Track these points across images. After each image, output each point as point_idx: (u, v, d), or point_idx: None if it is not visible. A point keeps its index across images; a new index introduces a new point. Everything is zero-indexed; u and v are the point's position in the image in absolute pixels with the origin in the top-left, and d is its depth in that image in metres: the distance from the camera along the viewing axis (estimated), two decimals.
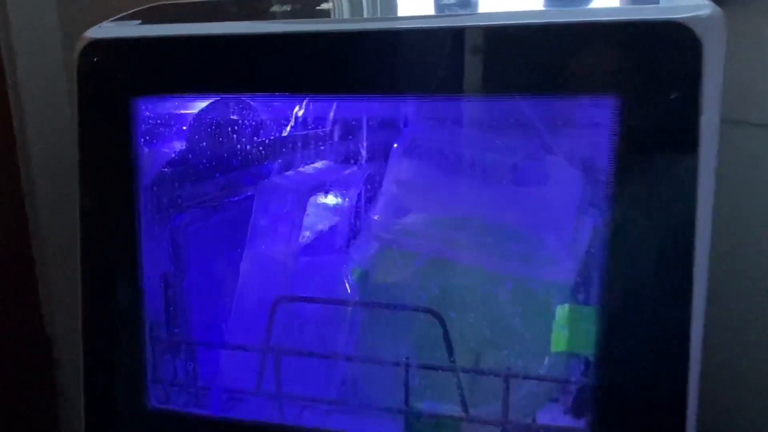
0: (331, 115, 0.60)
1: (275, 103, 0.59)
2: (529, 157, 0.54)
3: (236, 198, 0.61)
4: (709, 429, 0.59)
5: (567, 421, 0.48)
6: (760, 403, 0.65)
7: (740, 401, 0.66)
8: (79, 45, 0.50)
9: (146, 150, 0.52)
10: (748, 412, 0.66)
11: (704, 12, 0.40)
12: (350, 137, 0.60)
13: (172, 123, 0.57)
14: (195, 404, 0.55)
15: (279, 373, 0.53)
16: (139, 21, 0.52)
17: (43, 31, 0.75)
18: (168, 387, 0.55)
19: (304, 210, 0.59)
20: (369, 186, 0.59)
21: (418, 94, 0.48)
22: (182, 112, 0.58)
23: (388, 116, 0.58)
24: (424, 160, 0.57)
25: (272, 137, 0.60)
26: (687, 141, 0.40)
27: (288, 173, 0.61)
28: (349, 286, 0.56)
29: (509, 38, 0.43)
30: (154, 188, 0.54)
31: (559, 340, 0.47)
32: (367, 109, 0.58)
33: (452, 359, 0.50)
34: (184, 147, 0.58)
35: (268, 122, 0.60)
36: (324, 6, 0.52)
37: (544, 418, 0.50)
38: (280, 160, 0.61)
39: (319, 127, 0.60)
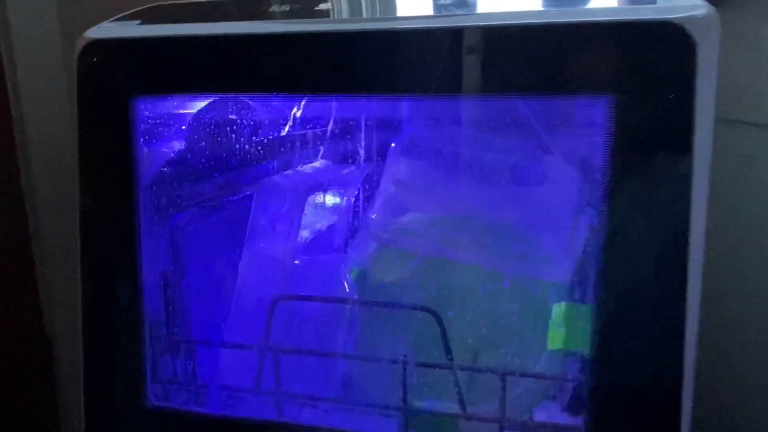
0: (330, 114, 0.60)
1: (274, 103, 0.59)
2: (527, 156, 0.54)
3: (235, 197, 0.61)
4: (709, 429, 0.59)
5: (564, 418, 0.48)
6: (759, 403, 0.65)
7: (739, 401, 0.66)
8: (79, 45, 0.50)
9: (145, 150, 0.52)
10: (748, 412, 0.66)
11: (699, 12, 0.40)
12: (348, 137, 0.60)
13: (172, 123, 0.57)
14: (194, 402, 0.55)
15: (278, 372, 0.53)
16: (139, 21, 0.52)
17: (43, 31, 0.75)
18: (167, 385, 0.55)
19: (303, 209, 0.59)
20: (367, 185, 0.60)
21: (416, 94, 0.48)
22: (181, 111, 0.58)
23: (386, 116, 0.59)
24: (422, 160, 0.57)
25: (271, 137, 0.60)
26: (681, 140, 0.41)
27: (287, 173, 0.61)
28: (348, 285, 0.56)
29: (506, 38, 0.43)
30: (154, 188, 0.54)
31: (556, 338, 0.47)
32: (366, 108, 0.59)
33: (450, 357, 0.50)
34: (183, 147, 0.58)
35: (266, 122, 0.60)
36: (323, 6, 0.52)
37: (541, 416, 0.50)
38: (278, 160, 0.61)
39: (318, 126, 0.60)
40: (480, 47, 0.44)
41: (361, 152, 0.60)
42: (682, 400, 0.43)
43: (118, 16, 0.55)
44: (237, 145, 0.59)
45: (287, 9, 0.53)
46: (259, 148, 0.60)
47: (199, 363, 0.57)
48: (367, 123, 0.59)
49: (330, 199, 0.62)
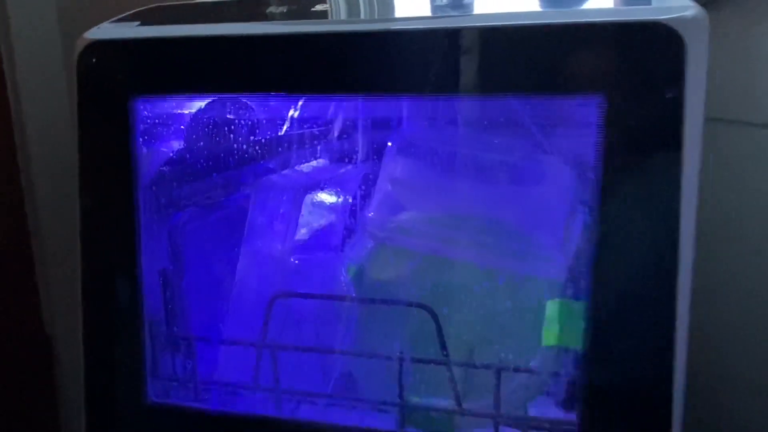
0: (327, 114, 0.60)
1: (272, 103, 0.60)
2: (523, 156, 0.55)
3: (233, 196, 0.61)
4: (709, 429, 0.59)
5: (558, 413, 0.49)
6: (759, 403, 0.65)
7: (739, 401, 0.66)
8: (79, 45, 0.51)
9: (145, 150, 0.52)
10: (747, 412, 0.66)
11: (688, 13, 0.41)
12: (346, 136, 0.60)
13: (171, 123, 0.58)
14: (194, 399, 0.56)
15: (276, 368, 0.53)
16: (139, 22, 0.53)
17: (43, 31, 0.75)
18: (167, 383, 0.56)
19: (300, 208, 0.60)
20: (364, 185, 0.60)
21: (413, 94, 0.49)
22: (180, 112, 0.58)
23: (383, 115, 0.59)
24: (419, 159, 0.57)
25: (269, 136, 0.61)
26: (671, 139, 0.41)
27: (284, 172, 0.62)
28: (345, 283, 0.57)
29: (501, 39, 0.44)
30: (153, 188, 0.54)
31: (550, 335, 0.48)
32: (363, 108, 0.59)
33: (445, 354, 0.51)
34: (182, 146, 0.59)
35: (264, 121, 0.60)
36: (321, 7, 0.53)
37: (535, 411, 0.50)
38: (276, 159, 0.61)
39: (315, 126, 0.61)
40: (475, 48, 0.44)
41: (359, 151, 0.60)
42: (673, 395, 0.43)
43: (118, 17, 0.55)
44: (235, 145, 0.60)
45: (285, 10, 0.53)
46: (257, 147, 0.60)
47: (198, 360, 0.58)
48: (365, 122, 0.59)
49: (327, 198, 0.62)
